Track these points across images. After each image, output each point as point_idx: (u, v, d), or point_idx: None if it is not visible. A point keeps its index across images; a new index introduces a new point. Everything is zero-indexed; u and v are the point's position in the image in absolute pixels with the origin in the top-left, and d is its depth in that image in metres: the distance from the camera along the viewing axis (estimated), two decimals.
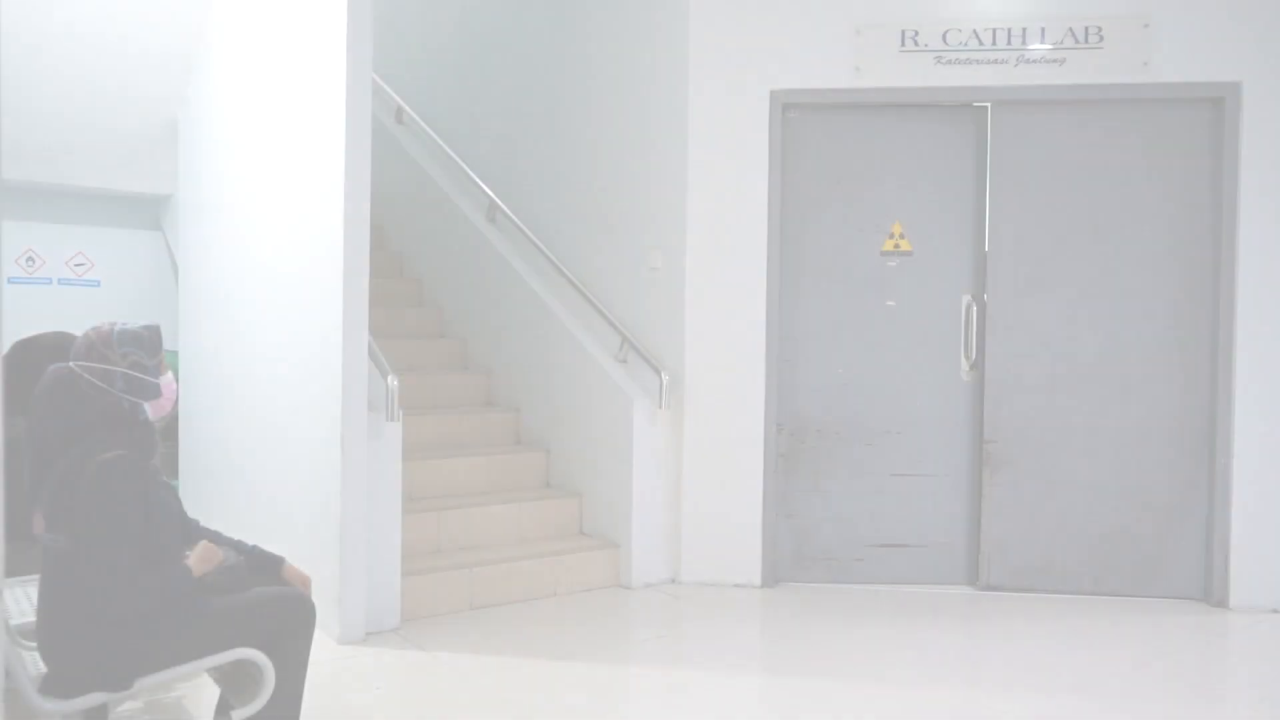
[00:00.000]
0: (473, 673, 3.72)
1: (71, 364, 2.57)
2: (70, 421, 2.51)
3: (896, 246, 4.92)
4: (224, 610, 2.62)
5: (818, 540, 5.01)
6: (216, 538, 2.80)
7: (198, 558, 2.63)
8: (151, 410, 2.64)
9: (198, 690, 3.43)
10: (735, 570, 4.91)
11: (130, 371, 2.58)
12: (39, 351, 3.42)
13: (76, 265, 6.74)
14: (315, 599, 3.94)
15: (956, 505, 4.95)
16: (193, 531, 2.79)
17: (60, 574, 2.47)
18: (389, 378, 4.11)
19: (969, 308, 4.90)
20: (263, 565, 2.84)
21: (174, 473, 6.02)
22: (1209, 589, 4.70)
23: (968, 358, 4.92)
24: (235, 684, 2.75)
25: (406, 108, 6.82)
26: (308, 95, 4.32)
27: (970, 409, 4.93)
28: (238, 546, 2.82)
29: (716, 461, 4.92)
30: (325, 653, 3.87)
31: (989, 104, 4.88)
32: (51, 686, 2.48)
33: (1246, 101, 4.60)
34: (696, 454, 4.93)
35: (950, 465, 4.95)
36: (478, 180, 6.09)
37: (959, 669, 4.04)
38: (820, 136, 4.98)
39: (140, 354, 2.60)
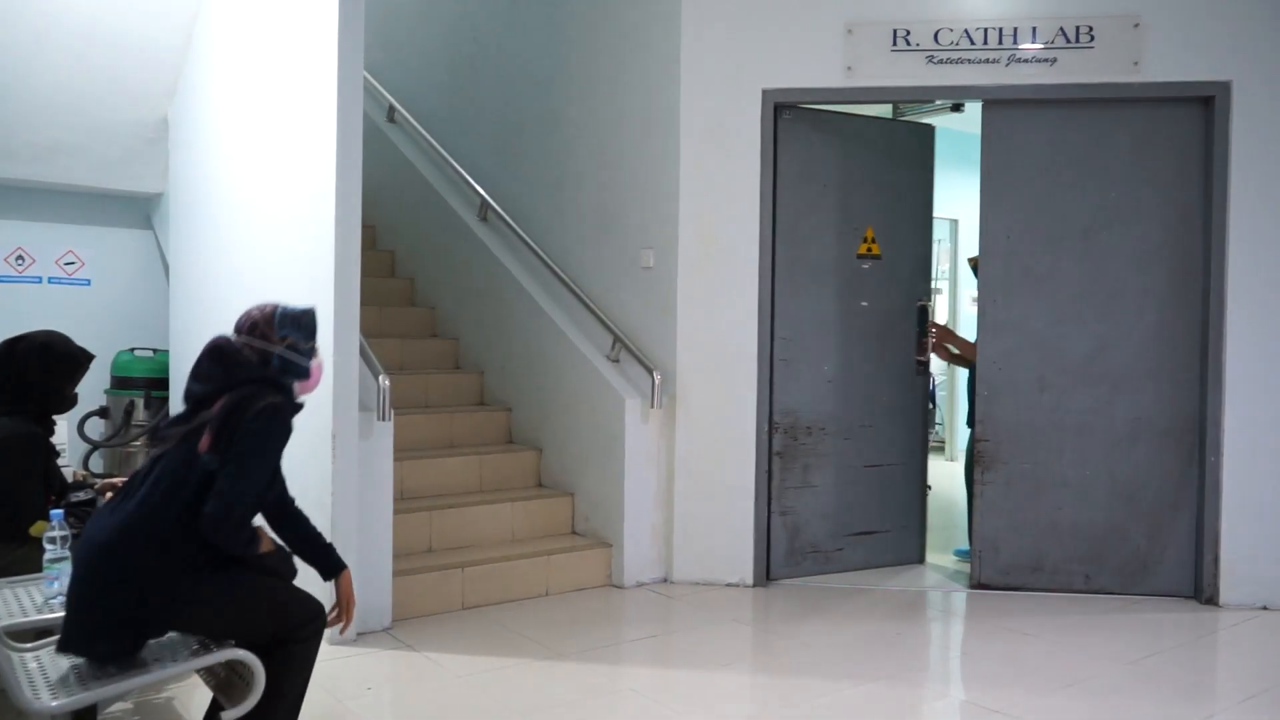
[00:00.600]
0: (464, 673, 3.71)
1: (233, 337, 2.72)
2: (229, 378, 2.65)
3: (869, 250, 5.11)
4: (264, 588, 2.67)
5: (807, 535, 5.06)
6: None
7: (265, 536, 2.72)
8: (298, 389, 2.77)
9: (188, 692, 3.42)
10: (728, 569, 4.91)
11: (286, 353, 2.71)
12: (26, 350, 3.40)
13: (66, 264, 6.72)
14: None
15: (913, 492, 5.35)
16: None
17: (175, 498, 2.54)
18: (381, 377, 4.11)
19: (920, 310, 5.26)
20: (324, 563, 2.94)
21: None
22: (1199, 587, 4.71)
23: (919, 357, 5.29)
24: (227, 687, 2.74)
25: (399, 106, 6.82)
26: (299, 93, 4.32)
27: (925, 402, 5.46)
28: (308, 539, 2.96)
29: (709, 461, 4.92)
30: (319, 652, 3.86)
31: (980, 103, 4.90)
32: (71, 638, 2.48)
33: (1236, 101, 4.62)
34: (689, 453, 4.93)
35: (912, 453, 5.34)
36: (470, 179, 6.09)
37: (949, 667, 4.04)
38: (809, 138, 5.02)
39: (298, 337, 2.74)
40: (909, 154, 5.30)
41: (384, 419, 4.12)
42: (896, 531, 5.28)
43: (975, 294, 5.41)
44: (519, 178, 5.98)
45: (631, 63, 5.19)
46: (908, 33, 4.77)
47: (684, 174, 4.91)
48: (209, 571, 2.57)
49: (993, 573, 4.89)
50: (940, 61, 4.76)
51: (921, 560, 5.35)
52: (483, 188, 6.01)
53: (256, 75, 4.79)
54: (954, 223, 9.46)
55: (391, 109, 6.88)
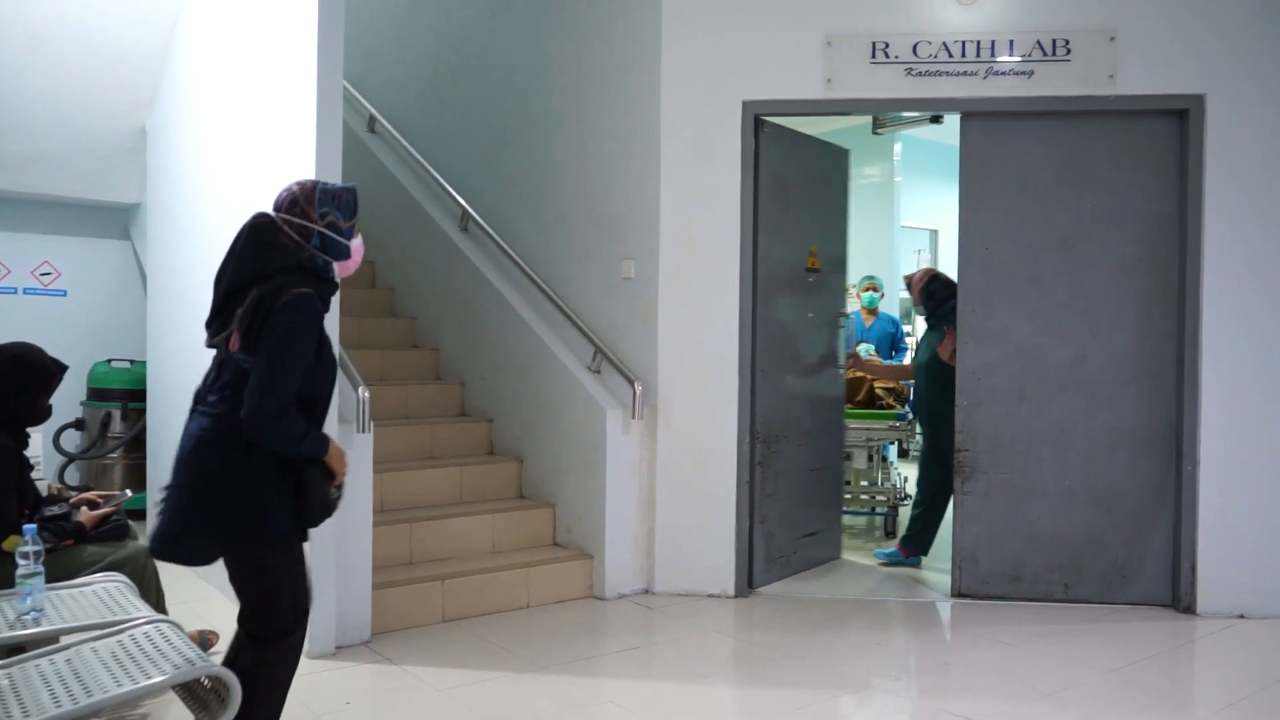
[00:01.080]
0: (444, 686, 3.69)
1: (272, 214, 2.70)
2: (264, 265, 2.63)
3: (813, 264, 5.34)
4: (302, 567, 2.71)
5: (777, 542, 5.13)
6: None
7: (337, 456, 2.69)
8: (339, 270, 2.77)
9: (164, 707, 3.38)
10: (710, 580, 4.90)
11: (326, 230, 2.70)
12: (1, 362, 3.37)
13: (42, 275, 6.66)
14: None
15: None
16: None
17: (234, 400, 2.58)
18: (360, 389, 4.09)
19: (834, 320, 5.59)
20: None
21: (141, 484, 5.95)
22: (1177, 595, 4.74)
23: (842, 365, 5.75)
24: (203, 706, 2.71)
25: (379, 117, 6.81)
26: (278, 104, 4.30)
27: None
28: None
29: (691, 471, 4.92)
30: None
31: (959, 115, 4.94)
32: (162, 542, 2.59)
33: (1210, 113, 4.67)
34: (670, 464, 4.93)
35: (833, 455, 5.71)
36: (451, 190, 6.08)
37: (930, 677, 4.05)
38: (786, 151, 5.09)
39: (338, 215, 2.72)
40: (830, 173, 5.60)
41: (364, 431, 4.09)
42: (826, 531, 5.59)
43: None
44: (500, 188, 5.98)
45: (613, 74, 5.20)
46: (887, 45, 4.80)
47: (665, 185, 4.92)
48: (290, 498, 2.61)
49: (973, 582, 4.90)
50: (919, 74, 4.80)
51: (838, 557, 5.71)
52: (464, 198, 6.00)
53: (236, 84, 4.77)
54: (934, 233, 9.54)
55: (372, 119, 6.87)
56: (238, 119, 4.72)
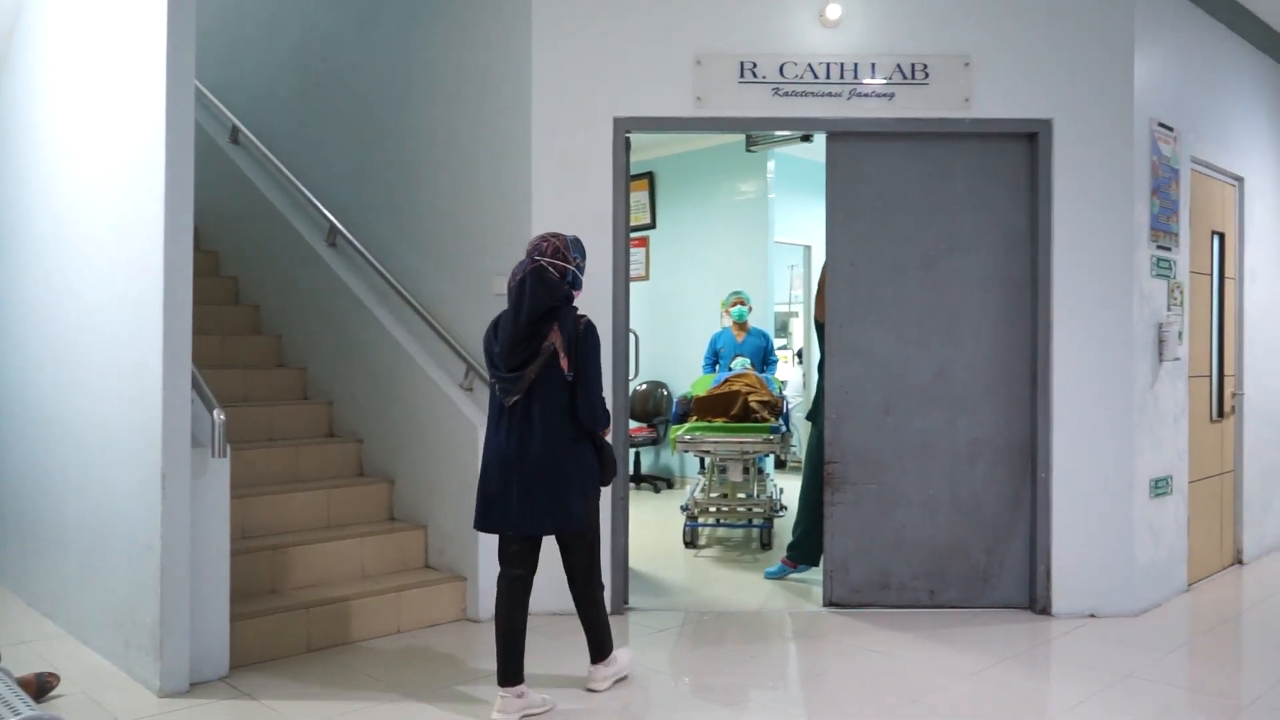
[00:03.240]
0: None
1: (540, 260, 3.58)
2: (551, 298, 3.56)
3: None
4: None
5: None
6: None
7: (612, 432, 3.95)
8: (575, 297, 3.70)
9: None
10: None
11: (576, 270, 3.66)
12: None
13: None
14: (135, 649, 3.72)
15: None
16: None
17: (562, 405, 3.58)
18: (215, 411, 3.90)
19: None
20: None
21: None
22: (1033, 597, 4.94)
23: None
24: None
25: (243, 127, 6.56)
26: (125, 103, 4.08)
27: None
28: None
29: None
30: (145, 707, 3.62)
31: (824, 135, 5.06)
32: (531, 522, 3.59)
33: (1058, 136, 4.90)
34: None
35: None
36: (318, 203, 5.90)
37: (803, 688, 4.10)
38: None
39: (581, 260, 3.70)
40: None
41: (219, 455, 3.90)
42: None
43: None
44: (369, 202, 5.83)
45: (483, 87, 5.14)
46: (755, 65, 4.88)
47: (536, 200, 4.88)
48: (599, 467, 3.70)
49: (844, 591, 5.00)
50: (786, 94, 4.89)
51: None
52: (331, 212, 5.83)
53: (79, 81, 4.51)
54: (808, 249, 9.76)
55: (235, 129, 6.61)
56: (82, 123, 4.46)
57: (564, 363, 3.52)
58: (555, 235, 3.65)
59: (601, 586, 3.86)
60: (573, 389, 3.55)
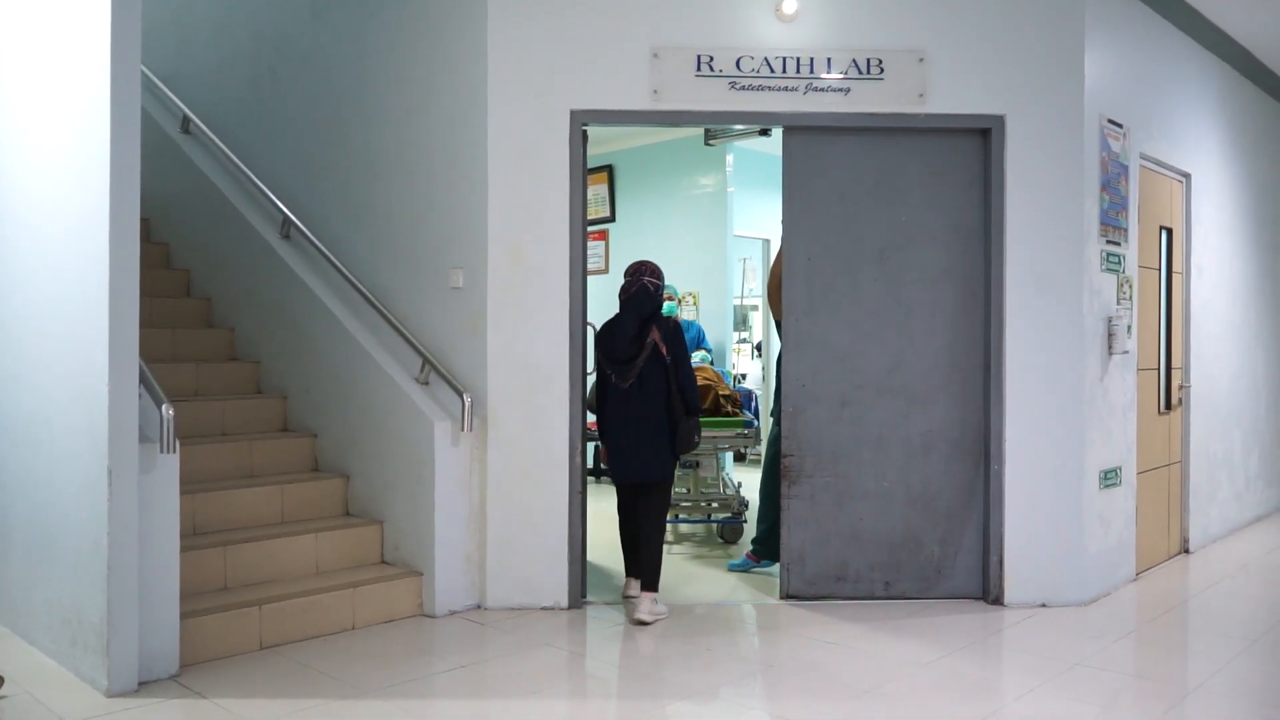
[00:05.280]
0: (257, 719, 3.50)
1: (646, 280, 4.84)
2: (647, 308, 4.81)
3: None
4: None
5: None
6: None
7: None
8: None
9: None
10: (543, 593, 4.85)
11: (663, 285, 4.92)
12: None
13: None
14: (82, 648, 3.65)
15: None
16: None
17: (662, 386, 4.77)
18: (164, 406, 3.83)
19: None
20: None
21: None
22: (986, 588, 5.01)
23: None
24: None
25: (194, 117, 6.46)
26: (68, 85, 3.98)
27: None
28: None
29: (521, 484, 4.86)
30: (92, 707, 3.56)
31: (781, 130, 5.08)
32: (645, 470, 4.77)
33: (1010, 133, 4.96)
34: (500, 477, 4.86)
35: None
36: (272, 196, 5.82)
37: (759, 681, 4.12)
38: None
39: (662, 280, 4.93)
40: None
41: (168, 451, 3.83)
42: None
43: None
44: (323, 194, 5.76)
45: (439, 79, 5.10)
46: (711, 59, 4.88)
47: (492, 193, 4.85)
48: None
49: (800, 584, 5.03)
50: (742, 88, 4.90)
51: None
52: (285, 204, 5.76)
53: (18, 64, 4.40)
54: (766, 242, 9.78)
55: (186, 119, 6.50)
56: (22, 107, 4.36)
57: (663, 349, 4.73)
58: (647, 262, 4.92)
59: (664, 528, 4.98)
60: (671, 373, 4.75)
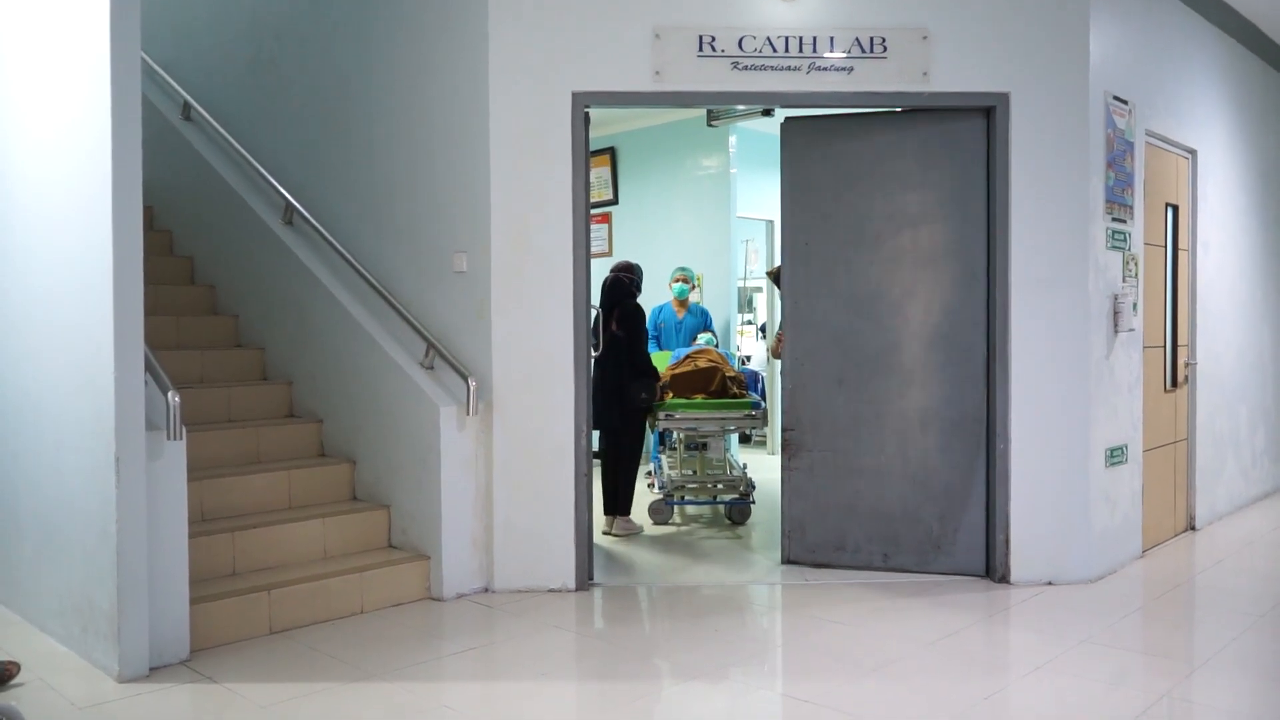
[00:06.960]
0: (268, 702, 3.53)
1: (619, 275, 6.19)
2: (616, 296, 6.11)
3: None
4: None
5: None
6: None
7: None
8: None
9: None
10: (550, 575, 4.87)
11: (637, 279, 6.29)
12: None
13: None
14: (94, 635, 3.68)
15: None
16: None
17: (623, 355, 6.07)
18: (170, 393, 3.83)
19: None
20: None
21: None
22: (991, 566, 5.02)
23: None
24: None
25: (195, 104, 6.44)
26: (69, 73, 3.98)
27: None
28: None
29: (527, 467, 4.87)
30: (105, 693, 3.59)
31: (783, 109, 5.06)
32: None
33: (1015, 111, 4.93)
34: (507, 460, 4.87)
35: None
36: (274, 182, 5.81)
37: (766, 659, 4.14)
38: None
39: (639, 277, 6.33)
40: None
41: (175, 438, 3.84)
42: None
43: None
44: (326, 179, 5.75)
45: (440, 62, 5.08)
46: (713, 39, 4.86)
47: (495, 176, 4.84)
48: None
49: (800, 550, 5.15)
50: (745, 68, 4.87)
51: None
52: (287, 190, 5.75)
53: (20, 53, 4.39)
54: (770, 223, 9.76)
55: (187, 106, 6.49)
56: (24, 95, 4.35)
57: (614, 325, 6.04)
58: (627, 262, 6.43)
59: (633, 469, 6.15)
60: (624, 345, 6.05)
